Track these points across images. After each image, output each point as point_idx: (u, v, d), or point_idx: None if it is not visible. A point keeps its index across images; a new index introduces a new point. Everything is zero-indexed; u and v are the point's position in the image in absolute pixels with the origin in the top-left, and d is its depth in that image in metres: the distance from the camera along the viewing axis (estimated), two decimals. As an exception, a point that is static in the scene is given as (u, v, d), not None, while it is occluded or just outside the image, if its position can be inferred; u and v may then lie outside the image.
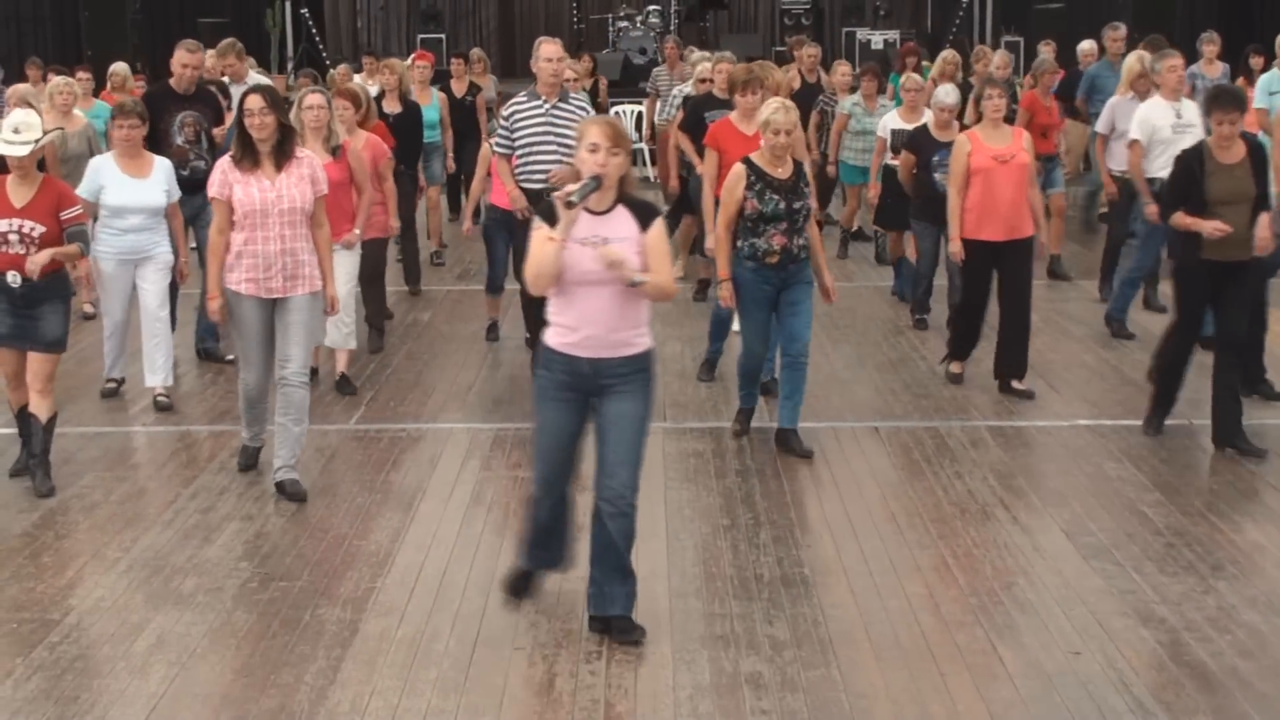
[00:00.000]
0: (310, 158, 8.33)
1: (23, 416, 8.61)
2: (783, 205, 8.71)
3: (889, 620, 6.57)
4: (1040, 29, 23.61)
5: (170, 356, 10.22)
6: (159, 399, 10.14)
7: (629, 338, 6.20)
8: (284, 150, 8.14)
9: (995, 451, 8.98)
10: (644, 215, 6.21)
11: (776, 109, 8.68)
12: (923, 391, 10.38)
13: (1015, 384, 10.22)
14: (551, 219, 6.05)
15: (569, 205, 5.96)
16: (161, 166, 10.08)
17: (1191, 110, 11.47)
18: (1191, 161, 8.87)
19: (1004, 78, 13.37)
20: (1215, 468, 8.69)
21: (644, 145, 20.87)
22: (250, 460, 8.77)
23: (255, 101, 8.05)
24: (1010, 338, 10.25)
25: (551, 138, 10.27)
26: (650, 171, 21.81)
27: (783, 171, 8.76)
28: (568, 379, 6.20)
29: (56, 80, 12.84)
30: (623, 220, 6.16)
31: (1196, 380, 10.46)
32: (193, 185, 10.50)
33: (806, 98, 15.41)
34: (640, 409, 6.24)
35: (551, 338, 6.24)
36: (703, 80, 13.32)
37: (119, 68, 15.97)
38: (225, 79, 13.13)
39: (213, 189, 8.16)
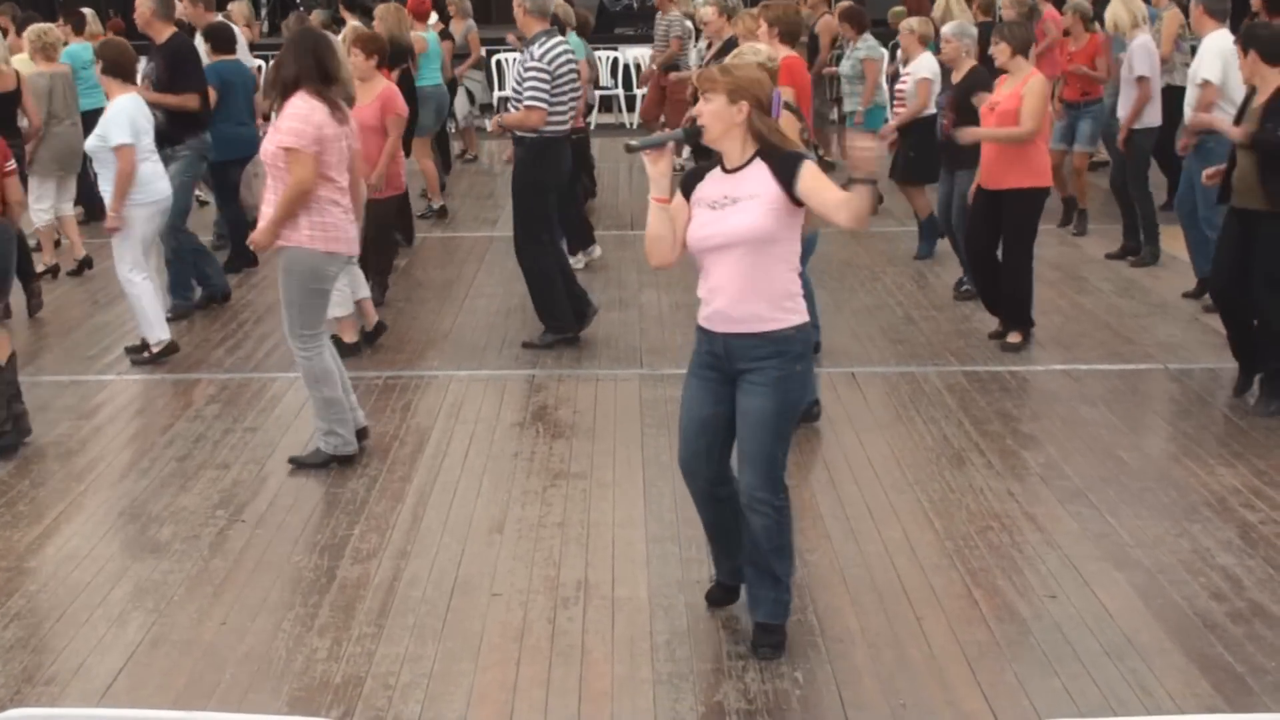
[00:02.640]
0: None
1: None
2: None
3: (865, 564, 6.60)
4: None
5: (140, 316, 9.95)
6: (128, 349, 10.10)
7: (761, 311, 5.57)
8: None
9: (971, 396, 9.00)
10: (785, 169, 5.52)
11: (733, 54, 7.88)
12: (899, 337, 10.39)
13: (1009, 336, 10.02)
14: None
15: (628, 149, 5.58)
16: (106, 112, 9.75)
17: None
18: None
19: (1011, 19, 13.16)
20: (1190, 411, 8.71)
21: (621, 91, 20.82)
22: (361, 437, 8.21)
23: None
24: (1004, 287, 10.07)
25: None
26: (627, 118, 21.78)
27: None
28: (709, 358, 5.71)
29: (36, 26, 12.72)
30: (757, 177, 5.57)
31: (1169, 325, 10.51)
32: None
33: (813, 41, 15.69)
34: (768, 403, 5.60)
35: (699, 311, 5.76)
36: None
37: (85, 13, 15.81)
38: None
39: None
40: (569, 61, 10.00)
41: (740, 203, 5.52)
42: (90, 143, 9.82)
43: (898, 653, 5.78)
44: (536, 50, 9.83)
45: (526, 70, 9.86)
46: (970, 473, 7.74)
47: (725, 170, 5.63)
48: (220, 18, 13.54)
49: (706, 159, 5.81)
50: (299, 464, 7.92)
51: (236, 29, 13.58)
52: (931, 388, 9.19)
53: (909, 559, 6.65)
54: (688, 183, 5.67)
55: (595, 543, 6.90)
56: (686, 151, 13.34)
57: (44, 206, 12.27)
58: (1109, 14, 12.36)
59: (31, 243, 11.66)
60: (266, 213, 7.72)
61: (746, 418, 5.63)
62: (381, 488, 7.64)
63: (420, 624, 6.08)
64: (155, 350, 9.93)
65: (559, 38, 10.12)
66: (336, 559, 6.74)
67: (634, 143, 5.58)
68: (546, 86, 9.78)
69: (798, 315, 5.62)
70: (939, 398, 8.99)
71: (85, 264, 12.59)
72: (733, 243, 5.52)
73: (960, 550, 6.73)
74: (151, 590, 6.44)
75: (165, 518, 7.28)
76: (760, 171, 5.57)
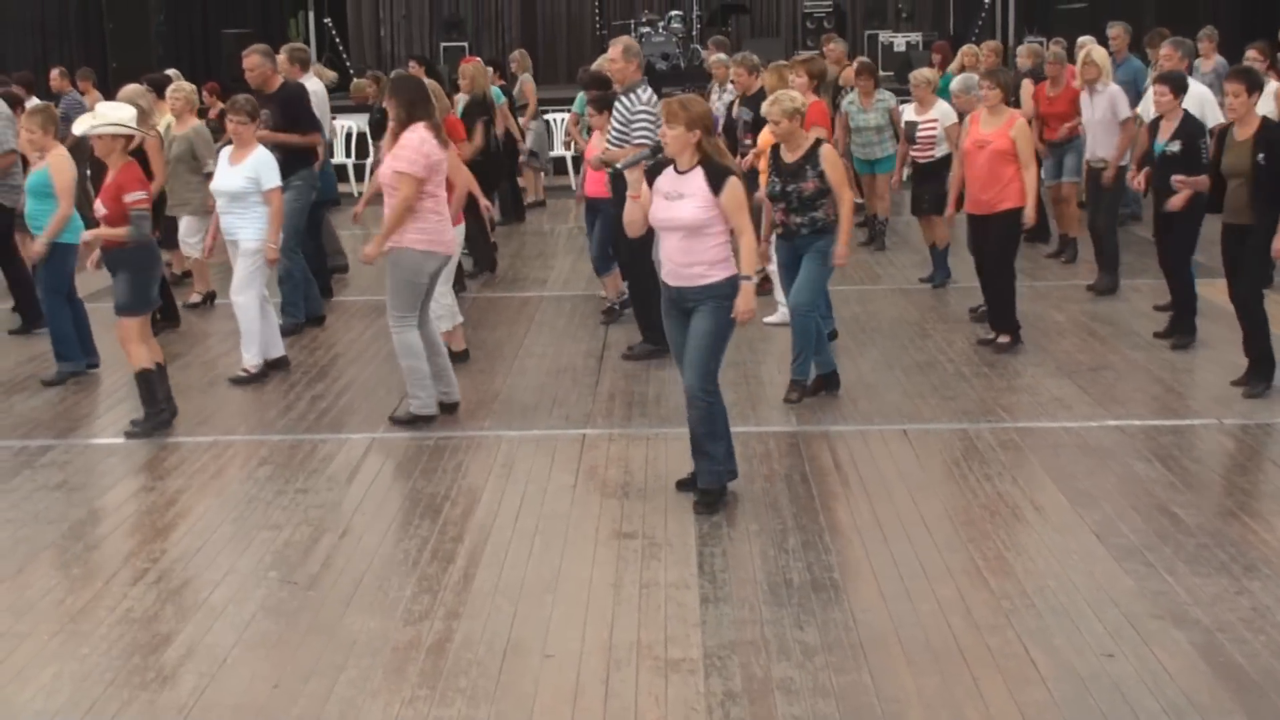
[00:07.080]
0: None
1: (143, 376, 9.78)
2: (778, 187, 10.02)
3: (920, 624, 6.54)
4: (1061, 28, 23.51)
5: (250, 339, 11.09)
6: (239, 373, 11.17)
7: (701, 271, 7.86)
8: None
9: (1024, 453, 8.94)
10: (716, 177, 7.79)
11: (769, 102, 10.04)
12: (951, 394, 10.34)
13: (998, 338, 11.60)
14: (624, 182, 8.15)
15: (612, 171, 8.95)
16: (255, 157, 11.01)
17: None
18: (1222, 137, 10.28)
19: (991, 67, 14.06)
20: (1246, 467, 8.63)
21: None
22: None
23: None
24: (989, 299, 11.81)
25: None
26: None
27: (789, 156, 10.02)
28: (669, 303, 8.09)
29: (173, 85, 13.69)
30: (696, 180, 7.81)
31: (1222, 380, 10.41)
32: None
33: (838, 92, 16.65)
34: (706, 325, 7.87)
35: (661, 269, 8.19)
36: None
37: (171, 74, 16.32)
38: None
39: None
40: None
41: (685, 198, 7.82)
42: (240, 184, 10.94)
43: (954, 713, 5.72)
44: (643, 95, 11.22)
45: (635, 114, 11.13)
46: (1024, 530, 7.68)
47: (677, 171, 7.90)
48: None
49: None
50: (395, 422, 9.82)
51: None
52: (984, 444, 9.13)
53: (964, 618, 6.59)
54: (651, 173, 8.01)
55: (648, 603, 6.86)
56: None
57: (194, 240, 13.39)
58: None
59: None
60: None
61: (691, 339, 7.95)
62: (433, 549, 7.63)
63: (473, 686, 6.06)
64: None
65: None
66: (389, 620, 6.73)
67: (618, 165, 8.23)
68: (655, 126, 10.75)
69: (726, 271, 7.88)
70: (992, 454, 8.93)
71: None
72: (677, 227, 7.88)
73: (1016, 609, 6.67)
74: (204, 652, 6.44)
75: (217, 579, 7.29)
76: (699, 176, 7.83)
